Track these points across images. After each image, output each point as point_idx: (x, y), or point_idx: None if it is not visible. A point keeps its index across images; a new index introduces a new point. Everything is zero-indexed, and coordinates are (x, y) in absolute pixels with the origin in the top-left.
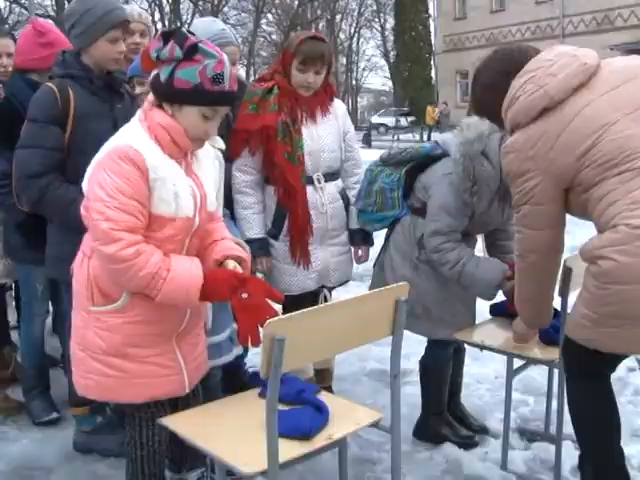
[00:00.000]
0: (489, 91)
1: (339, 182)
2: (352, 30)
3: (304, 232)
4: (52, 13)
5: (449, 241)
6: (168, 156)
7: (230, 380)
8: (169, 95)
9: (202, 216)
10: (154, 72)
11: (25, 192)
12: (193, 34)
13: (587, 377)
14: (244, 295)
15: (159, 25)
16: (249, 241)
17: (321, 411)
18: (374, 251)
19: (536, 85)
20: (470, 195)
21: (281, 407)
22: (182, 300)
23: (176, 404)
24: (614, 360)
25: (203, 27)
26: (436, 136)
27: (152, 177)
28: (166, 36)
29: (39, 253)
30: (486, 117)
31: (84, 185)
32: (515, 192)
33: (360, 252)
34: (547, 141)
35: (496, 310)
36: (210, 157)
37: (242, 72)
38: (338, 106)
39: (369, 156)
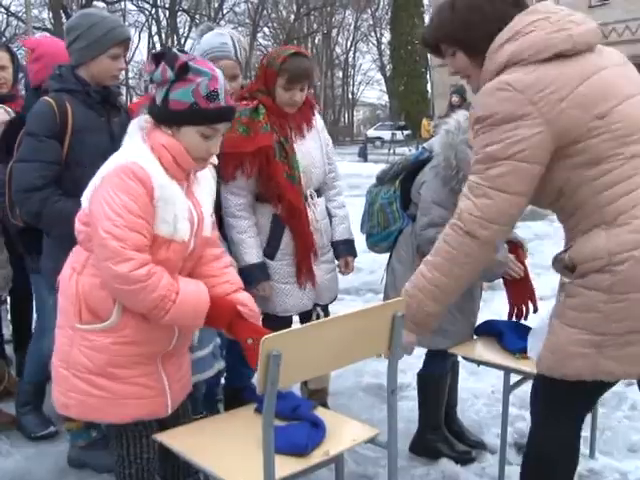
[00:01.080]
0: (475, 13)
1: (323, 199)
2: (348, 44)
3: (310, 252)
4: (49, 26)
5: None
6: (170, 177)
7: (231, 399)
8: (166, 117)
9: (197, 240)
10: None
11: (24, 205)
12: (184, 51)
13: (564, 423)
14: (249, 341)
15: (156, 38)
16: (250, 267)
17: (318, 427)
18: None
19: (556, 26)
20: (457, 183)
21: (277, 423)
22: (188, 323)
23: (164, 421)
24: (602, 392)
25: (206, 40)
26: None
27: (157, 196)
28: (157, 58)
29: (39, 262)
30: (460, 46)
31: (84, 200)
32: (496, 140)
33: (345, 263)
34: (561, 88)
35: (482, 330)
36: (209, 179)
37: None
38: (318, 119)
39: (365, 170)
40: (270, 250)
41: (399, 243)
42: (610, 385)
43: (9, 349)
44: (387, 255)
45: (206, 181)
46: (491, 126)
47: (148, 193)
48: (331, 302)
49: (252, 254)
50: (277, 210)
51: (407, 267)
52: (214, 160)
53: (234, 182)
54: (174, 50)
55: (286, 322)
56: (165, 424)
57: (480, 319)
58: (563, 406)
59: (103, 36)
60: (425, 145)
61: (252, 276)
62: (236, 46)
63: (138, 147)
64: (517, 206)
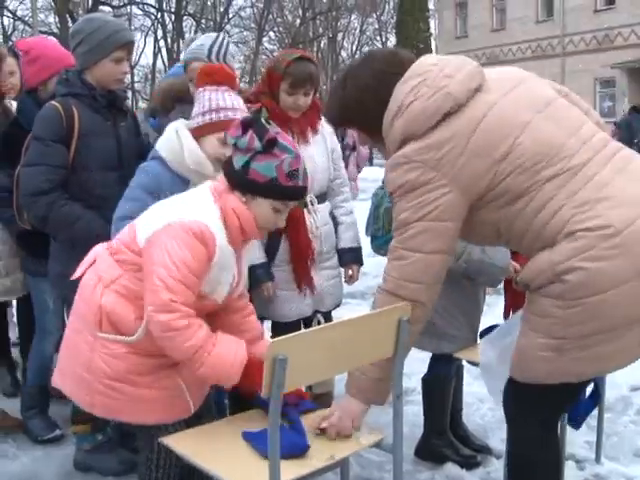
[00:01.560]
0: (365, 93)
1: (328, 203)
2: (354, 48)
3: (306, 258)
4: (56, 30)
5: None
6: (229, 243)
7: (236, 404)
8: (243, 185)
9: (228, 299)
10: (227, 156)
11: (31, 210)
12: (269, 122)
13: (532, 425)
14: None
15: (162, 42)
16: (252, 267)
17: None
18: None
19: (432, 88)
20: None
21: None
22: (223, 377)
23: (188, 422)
24: (573, 394)
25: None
26: None
27: (214, 261)
28: (245, 125)
29: (43, 265)
30: (357, 125)
31: (141, 232)
32: (405, 207)
33: (350, 272)
34: (456, 146)
35: (485, 334)
36: (254, 246)
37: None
38: (325, 124)
39: (371, 174)
40: (268, 256)
41: None
42: (580, 387)
43: (15, 352)
44: None
45: (253, 247)
46: (401, 196)
47: (209, 258)
48: (334, 308)
49: (255, 255)
50: None
51: None
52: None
53: None
54: (263, 121)
55: (294, 328)
56: (189, 425)
57: (484, 323)
58: (531, 408)
59: (105, 40)
60: None
61: (254, 277)
62: (214, 49)
63: (207, 205)
64: (438, 262)
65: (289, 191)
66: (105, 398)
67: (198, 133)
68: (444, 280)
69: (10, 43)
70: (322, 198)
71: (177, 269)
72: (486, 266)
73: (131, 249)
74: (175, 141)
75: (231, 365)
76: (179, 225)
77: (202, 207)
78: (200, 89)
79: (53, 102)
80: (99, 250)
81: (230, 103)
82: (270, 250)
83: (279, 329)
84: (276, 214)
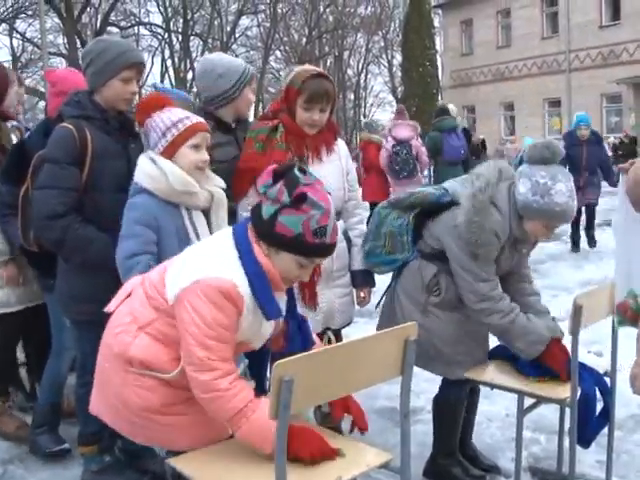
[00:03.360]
0: None
1: (341, 222)
2: (360, 66)
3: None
4: (64, 52)
5: (496, 289)
6: None
7: None
8: (268, 236)
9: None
10: (256, 201)
11: (45, 233)
12: (304, 171)
13: None
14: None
15: (169, 62)
16: None
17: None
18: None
19: None
20: (476, 247)
21: None
22: (257, 445)
23: None
24: None
25: None
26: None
27: (244, 315)
28: (277, 175)
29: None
30: None
31: (171, 287)
32: None
33: (362, 294)
34: None
35: (496, 353)
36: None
37: None
38: (341, 146)
39: None
40: None
41: (405, 277)
42: None
43: (22, 371)
44: None
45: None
46: None
47: (239, 312)
48: (345, 326)
49: None
50: None
51: (414, 304)
52: (221, 183)
53: (248, 199)
54: (296, 172)
55: None
56: None
57: (494, 342)
58: None
59: (113, 60)
60: (448, 188)
61: None
62: None
63: (234, 264)
64: None
65: (314, 249)
66: (144, 429)
67: (170, 152)
68: (450, 309)
69: (19, 64)
70: (335, 217)
71: (211, 329)
72: (528, 333)
73: (163, 297)
74: (155, 170)
75: (267, 435)
76: (206, 285)
77: (227, 262)
78: (147, 121)
79: (65, 124)
80: (135, 283)
81: (181, 114)
82: None
83: None
84: (301, 269)
